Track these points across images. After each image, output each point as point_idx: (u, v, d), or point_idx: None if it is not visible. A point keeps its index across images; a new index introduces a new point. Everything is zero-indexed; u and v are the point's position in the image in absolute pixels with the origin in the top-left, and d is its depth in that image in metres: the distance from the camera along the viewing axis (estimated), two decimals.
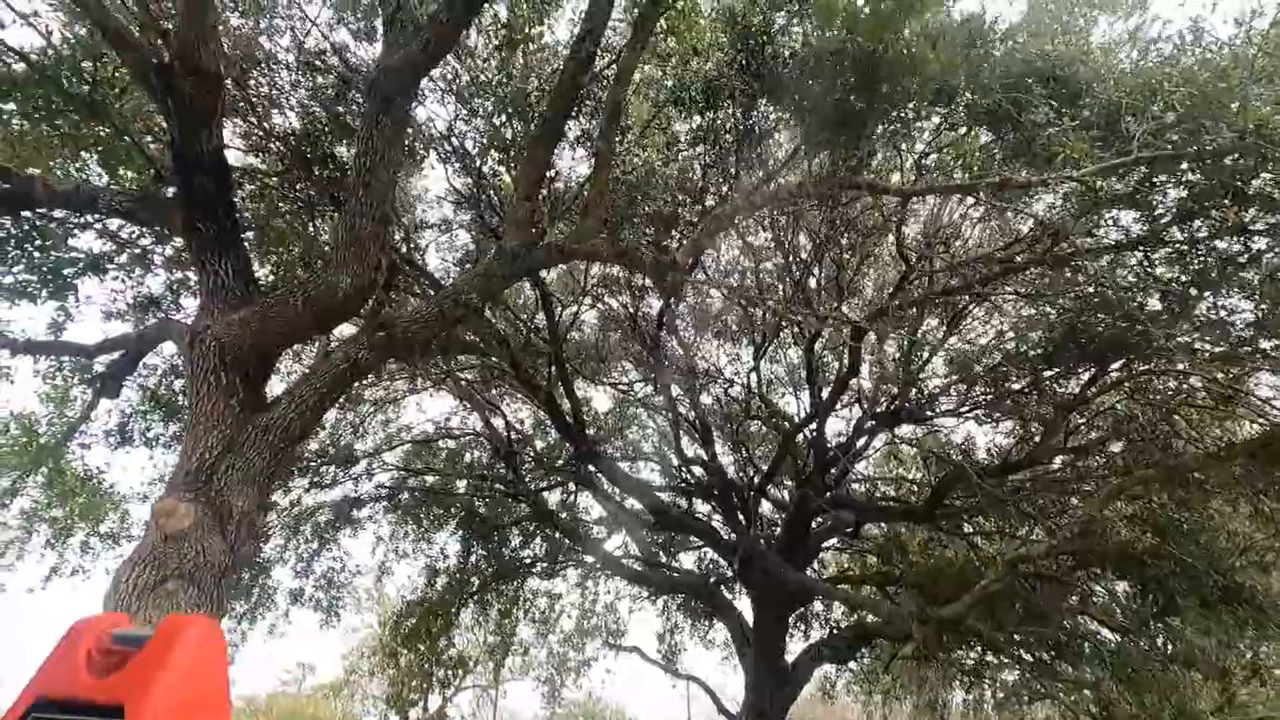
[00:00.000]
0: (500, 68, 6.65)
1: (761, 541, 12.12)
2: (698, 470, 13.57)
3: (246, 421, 5.09)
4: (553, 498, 16.93)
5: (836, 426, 13.53)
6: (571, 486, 15.66)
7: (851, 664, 14.55)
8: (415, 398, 15.08)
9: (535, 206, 5.27)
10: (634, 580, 14.66)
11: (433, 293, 7.47)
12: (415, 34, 4.95)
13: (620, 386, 13.11)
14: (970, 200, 8.28)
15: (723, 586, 14.03)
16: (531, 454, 14.10)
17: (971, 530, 11.80)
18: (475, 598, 15.36)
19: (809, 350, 10.29)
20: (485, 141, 7.01)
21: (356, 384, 13.26)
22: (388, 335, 5.08)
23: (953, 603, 8.02)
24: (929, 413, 10.71)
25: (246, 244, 5.66)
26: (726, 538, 12.58)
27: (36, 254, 6.97)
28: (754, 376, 11.27)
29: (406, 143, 4.98)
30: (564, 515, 16.30)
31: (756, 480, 12.56)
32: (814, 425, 11.18)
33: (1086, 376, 8.91)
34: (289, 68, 6.79)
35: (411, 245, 7.55)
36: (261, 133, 6.99)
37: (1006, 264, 7.88)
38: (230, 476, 4.95)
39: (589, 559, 14.80)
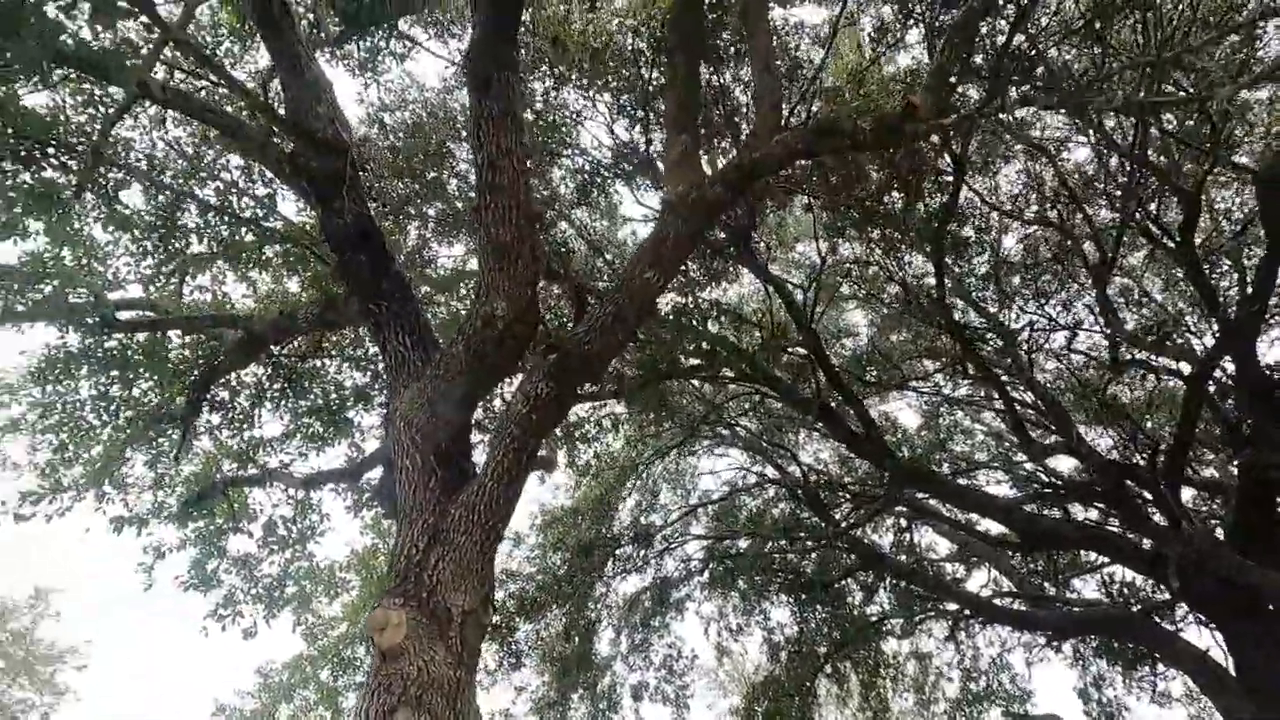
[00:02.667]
0: None
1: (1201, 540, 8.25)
2: (1063, 467, 10.13)
3: (449, 504, 4.31)
4: (883, 539, 14.46)
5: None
6: (903, 521, 13.11)
7: None
8: (695, 459, 14.22)
9: (693, 137, 3.88)
10: (1019, 625, 11.25)
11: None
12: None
13: (914, 382, 10.52)
14: None
15: (1154, 615, 9.95)
16: (843, 492, 12.00)
17: None
18: (826, 670, 13.25)
19: (1186, 235, 6.86)
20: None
21: (631, 448, 12.84)
22: (562, 357, 3.98)
23: None
24: None
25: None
26: (1141, 546, 8.88)
27: (310, 398, 7.51)
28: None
29: (526, 128, 3.98)
30: (901, 557, 13.66)
31: (1163, 458, 8.78)
32: (1237, 348, 7.42)
33: None
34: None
35: (567, 250, 6.59)
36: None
37: None
38: (441, 572, 4.12)
39: (950, 605, 11.82)
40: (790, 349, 8.17)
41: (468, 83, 4.02)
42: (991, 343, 9.81)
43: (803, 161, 7.66)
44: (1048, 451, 9.36)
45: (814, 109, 5.72)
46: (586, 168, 7.24)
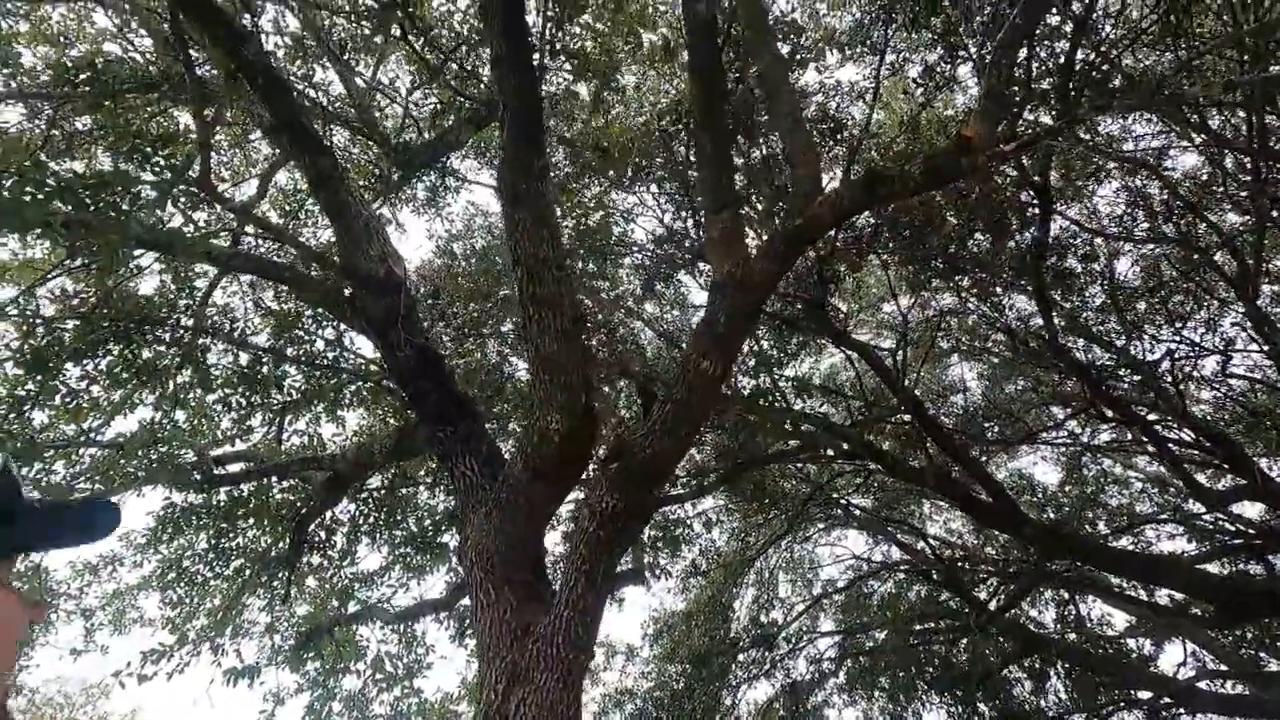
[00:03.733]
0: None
1: None
2: (1252, 513, 8.52)
3: (526, 639, 4.00)
4: (1044, 615, 12.65)
5: None
6: (1064, 593, 11.43)
7: None
8: (810, 546, 13.19)
9: (733, 211, 3.65)
10: (1235, 712, 9.27)
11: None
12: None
13: (1045, 434, 9.39)
14: None
15: None
16: (984, 566, 10.68)
17: None
18: None
19: None
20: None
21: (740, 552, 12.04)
22: (624, 465, 3.68)
23: None
24: None
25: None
26: None
27: (403, 528, 7.54)
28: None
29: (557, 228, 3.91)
30: (1069, 636, 11.83)
31: None
32: None
33: None
34: None
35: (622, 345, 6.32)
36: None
37: None
38: (524, 715, 3.76)
39: (1142, 694, 9.96)
40: (892, 418, 7.49)
41: (499, 196, 4.04)
42: (1126, 378, 8.66)
43: (867, 217, 7.33)
44: (1227, 497, 7.93)
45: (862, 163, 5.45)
46: (647, 262, 7.21)
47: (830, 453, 7.46)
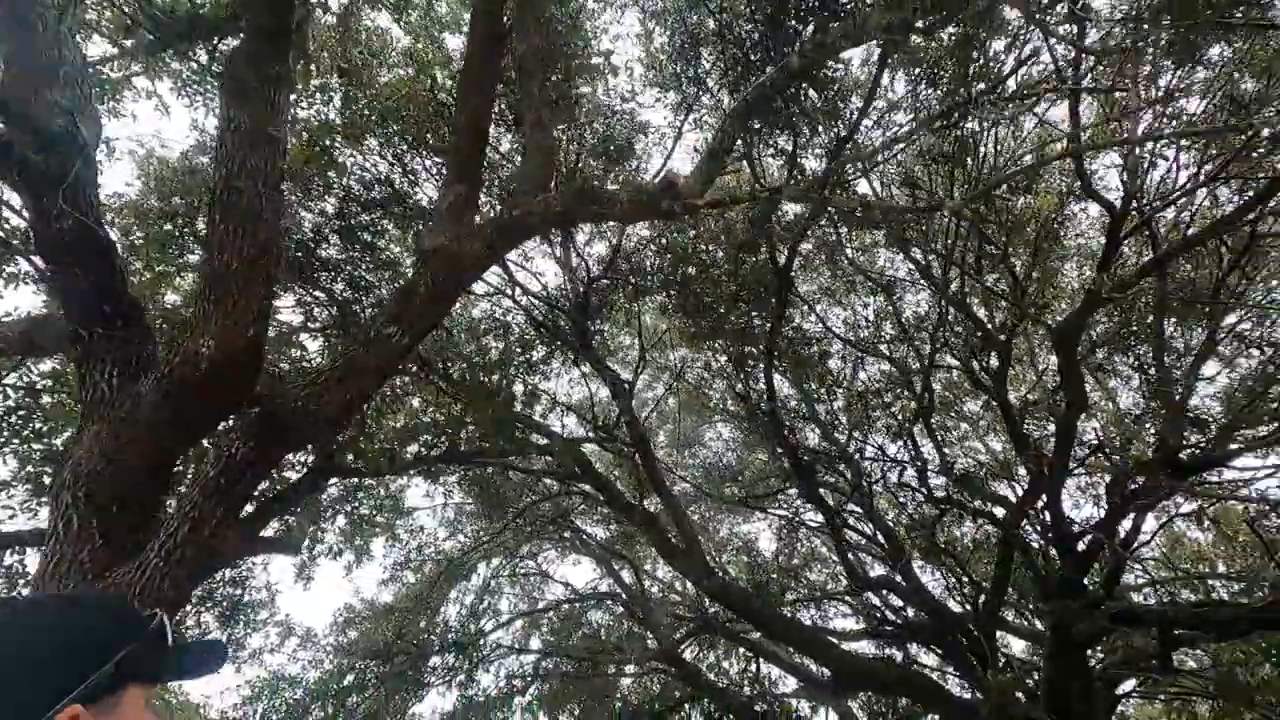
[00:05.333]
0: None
1: (1019, 696, 8.16)
2: (908, 606, 9.96)
3: (98, 582, 3.43)
4: (731, 665, 13.72)
5: (1084, 511, 9.64)
6: (748, 652, 12.45)
7: None
8: (546, 565, 13.27)
9: (471, 188, 3.55)
10: None
11: None
12: None
13: (751, 498, 10.30)
14: None
15: None
16: (676, 609, 11.32)
17: None
18: None
19: (1000, 370, 7.15)
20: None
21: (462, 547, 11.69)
22: (268, 414, 3.34)
23: None
24: (1230, 449, 6.88)
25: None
26: (961, 696, 8.66)
27: None
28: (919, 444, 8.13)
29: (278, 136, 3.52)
30: (748, 691, 12.94)
31: (982, 603, 8.79)
32: (1043, 503, 7.64)
33: None
34: None
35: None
36: None
37: None
38: None
39: None
40: (622, 451, 7.75)
41: (222, 91, 3.57)
42: (835, 469, 9.80)
43: (654, 259, 7.64)
44: (875, 585, 9.21)
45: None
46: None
47: (556, 468, 7.51)
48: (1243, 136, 5.24)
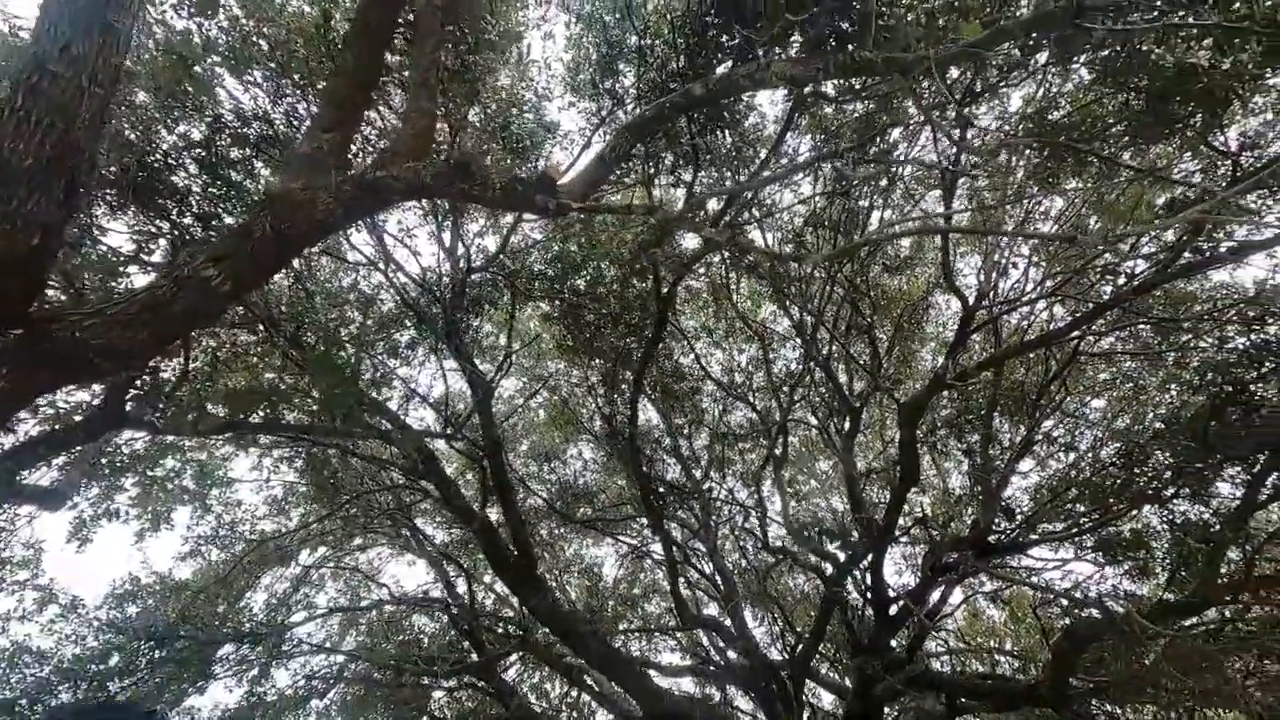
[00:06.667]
0: None
1: None
2: (731, 648, 10.17)
3: None
4: (553, 689, 13.43)
5: (903, 577, 10.31)
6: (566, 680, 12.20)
7: None
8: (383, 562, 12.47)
9: (344, 137, 3.24)
10: None
11: None
12: None
13: (600, 521, 10.23)
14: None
15: None
16: (498, 625, 10.88)
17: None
18: None
19: (847, 441, 7.53)
20: None
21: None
22: (34, 337, 2.84)
23: None
24: (1030, 538, 7.59)
25: None
26: None
27: None
28: (769, 496, 8.40)
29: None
30: (565, 717, 12.68)
31: (798, 651, 9.12)
32: (867, 565, 8.07)
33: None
34: None
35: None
36: None
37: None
38: None
39: None
40: (469, 446, 7.40)
41: None
42: (687, 504, 9.93)
43: (542, 267, 7.45)
44: (703, 623, 9.33)
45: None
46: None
47: (396, 455, 7.05)
48: (1079, 262, 5.86)
